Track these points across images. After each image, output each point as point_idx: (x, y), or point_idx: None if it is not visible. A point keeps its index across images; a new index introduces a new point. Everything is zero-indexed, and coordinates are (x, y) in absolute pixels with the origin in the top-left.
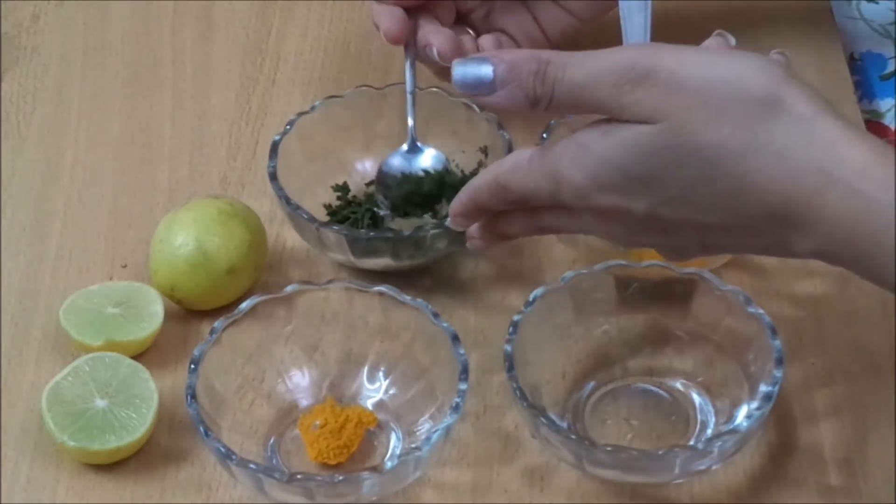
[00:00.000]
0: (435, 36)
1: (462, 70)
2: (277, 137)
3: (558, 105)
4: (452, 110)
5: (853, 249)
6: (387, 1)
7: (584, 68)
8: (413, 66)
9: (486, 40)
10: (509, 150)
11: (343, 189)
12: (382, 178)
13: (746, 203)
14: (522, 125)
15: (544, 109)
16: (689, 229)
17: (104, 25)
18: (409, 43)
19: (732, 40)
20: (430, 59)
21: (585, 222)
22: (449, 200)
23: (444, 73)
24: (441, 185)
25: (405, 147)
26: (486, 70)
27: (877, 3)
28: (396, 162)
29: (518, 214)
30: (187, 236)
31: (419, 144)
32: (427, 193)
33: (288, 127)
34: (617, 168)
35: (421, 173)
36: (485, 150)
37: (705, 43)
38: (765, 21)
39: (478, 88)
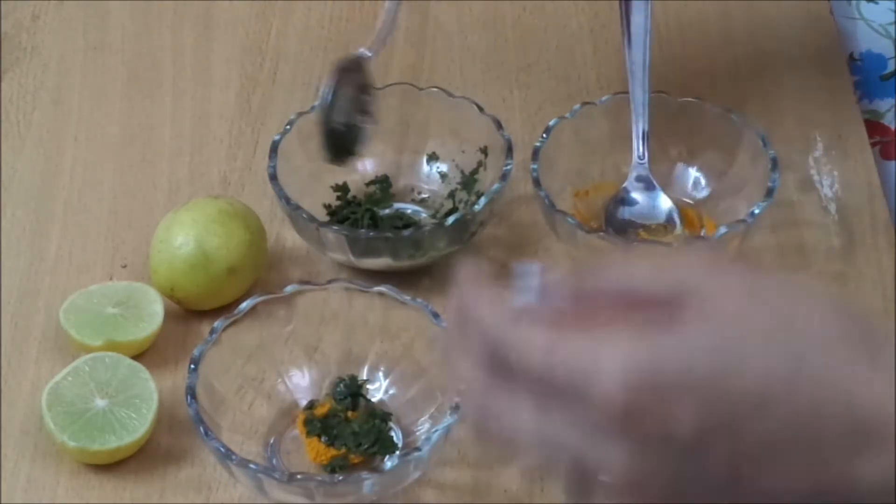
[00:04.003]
0: None
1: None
2: (277, 137)
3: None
4: (452, 110)
5: None
6: None
7: (651, 251)
8: None
9: None
10: (509, 149)
11: (343, 189)
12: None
13: (820, 404)
14: (523, 126)
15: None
16: (725, 463)
17: (104, 25)
18: None
19: None
20: None
21: (576, 428)
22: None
23: None
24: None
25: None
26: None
27: (877, 3)
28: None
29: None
30: (187, 236)
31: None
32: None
33: (288, 127)
34: (683, 360)
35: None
36: (485, 151)
37: None
38: (765, 21)
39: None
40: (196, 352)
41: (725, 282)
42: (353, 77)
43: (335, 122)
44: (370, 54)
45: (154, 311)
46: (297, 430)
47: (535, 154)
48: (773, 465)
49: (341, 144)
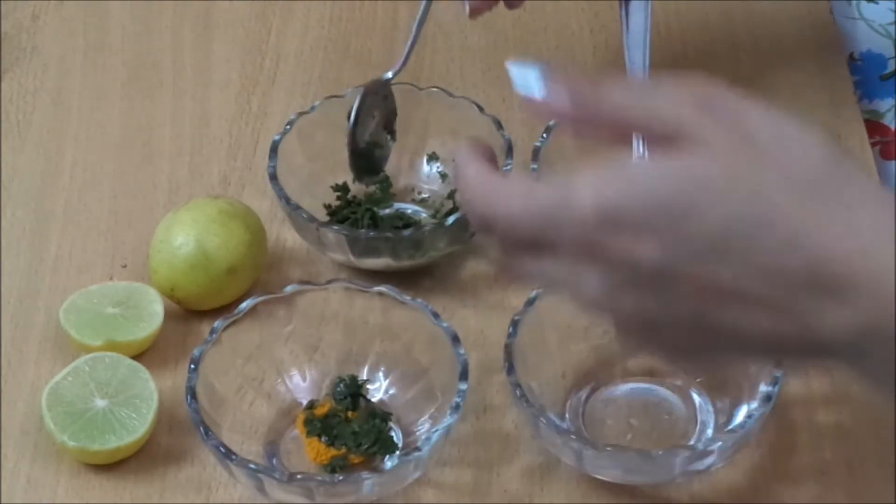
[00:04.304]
0: None
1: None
2: (277, 137)
3: (609, 109)
4: (452, 110)
5: None
6: None
7: (647, 84)
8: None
9: None
10: (509, 149)
11: (343, 189)
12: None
13: (790, 256)
14: (522, 126)
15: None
16: (695, 296)
17: (104, 25)
18: None
19: None
20: None
21: (562, 263)
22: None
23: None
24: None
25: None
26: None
27: (877, 3)
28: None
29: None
30: (187, 236)
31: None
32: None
33: (288, 127)
34: (650, 194)
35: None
36: None
37: None
38: (765, 21)
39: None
40: (196, 352)
41: (719, 127)
42: (378, 100)
43: (361, 142)
44: (390, 75)
45: (154, 311)
46: (297, 430)
47: (535, 154)
48: (736, 304)
49: (367, 164)
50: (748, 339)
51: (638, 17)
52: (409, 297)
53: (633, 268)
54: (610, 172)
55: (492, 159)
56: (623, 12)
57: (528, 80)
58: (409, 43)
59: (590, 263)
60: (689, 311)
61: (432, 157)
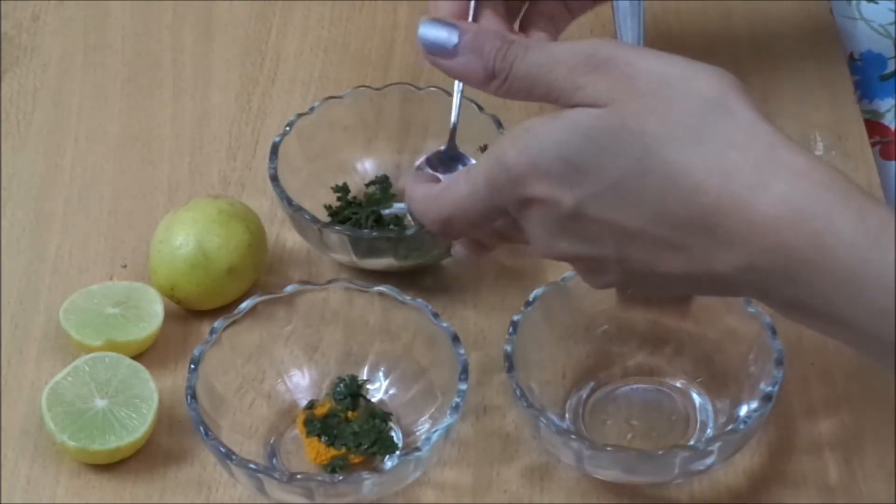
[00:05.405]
0: None
1: (428, 29)
2: (277, 139)
3: (513, 84)
4: (452, 110)
5: (787, 258)
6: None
7: (545, 51)
8: None
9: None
10: None
11: (343, 190)
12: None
13: (675, 200)
14: None
15: (499, 87)
16: (610, 238)
17: (104, 25)
18: None
19: None
20: None
21: (515, 221)
22: None
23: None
24: None
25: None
26: (451, 35)
27: (877, 3)
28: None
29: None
30: (187, 236)
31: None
32: None
33: (287, 128)
34: (556, 151)
35: None
36: (484, 150)
37: None
38: (764, 21)
39: (439, 49)
40: (196, 352)
41: (608, 84)
42: (444, 161)
43: None
44: (443, 148)
45: (154, 311)
46: (297, 430)
47: None
48: (644, 244)
49: None
50: (668, 275)
51: (629, 20)
52: (409, 297)
53: (556, 215)
54: (526, 133)
55: (433, 181)
56: (617, 13)
57: (438, 39)
58: (453, 118)
59: (529, 216)
60: (613, 252)
61: None
